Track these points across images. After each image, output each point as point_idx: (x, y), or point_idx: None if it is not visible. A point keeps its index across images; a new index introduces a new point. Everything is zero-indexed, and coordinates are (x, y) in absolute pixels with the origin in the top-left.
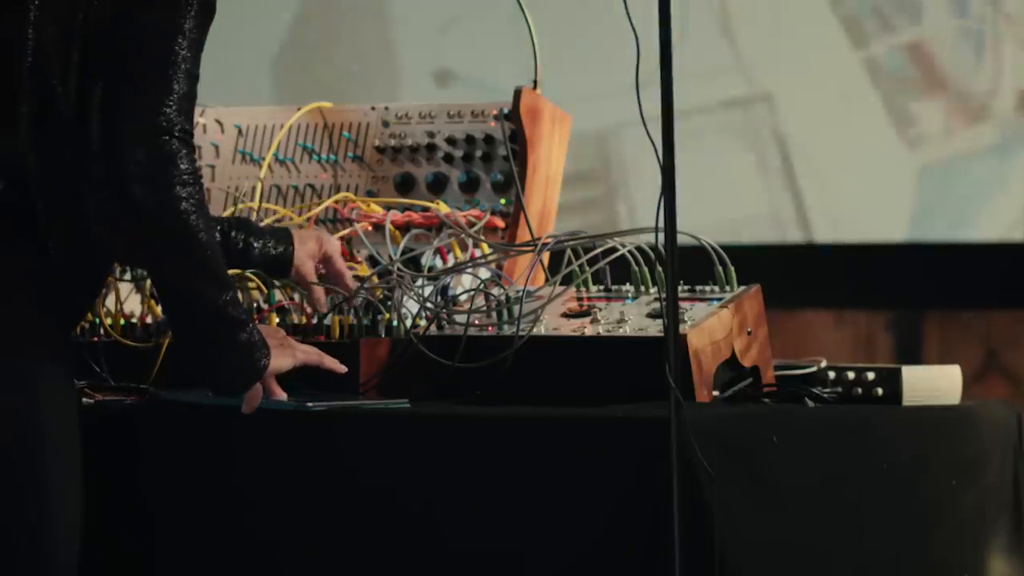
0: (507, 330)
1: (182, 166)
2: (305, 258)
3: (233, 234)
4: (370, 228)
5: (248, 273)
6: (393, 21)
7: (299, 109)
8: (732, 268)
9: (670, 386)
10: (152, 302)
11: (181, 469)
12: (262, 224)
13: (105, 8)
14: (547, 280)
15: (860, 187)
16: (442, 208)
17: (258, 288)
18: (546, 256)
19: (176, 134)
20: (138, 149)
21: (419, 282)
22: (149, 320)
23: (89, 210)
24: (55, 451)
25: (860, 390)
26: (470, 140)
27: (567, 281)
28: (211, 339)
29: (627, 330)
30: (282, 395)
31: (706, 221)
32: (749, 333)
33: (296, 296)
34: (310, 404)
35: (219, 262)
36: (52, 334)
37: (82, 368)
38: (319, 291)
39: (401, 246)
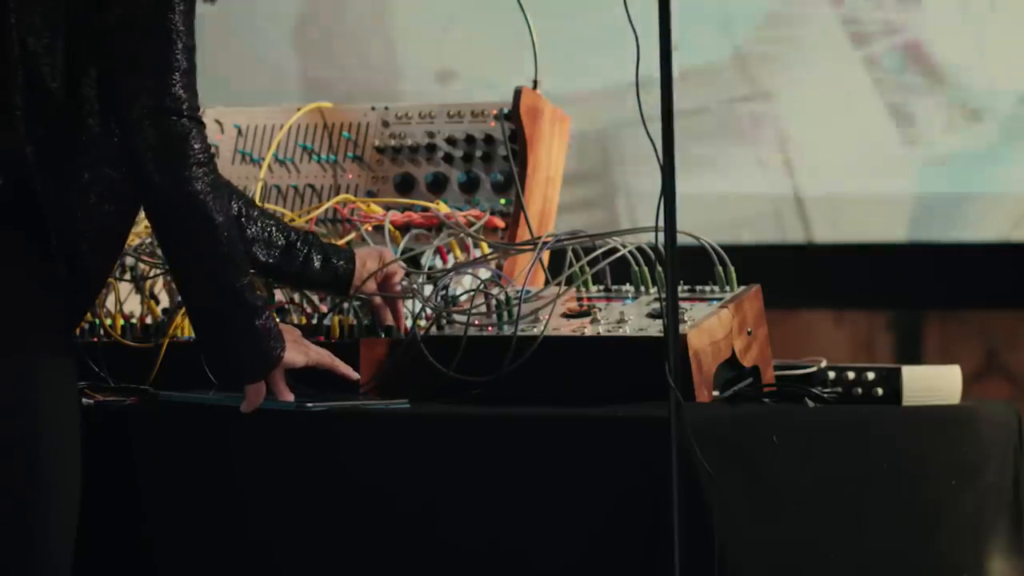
0: (507, 330)
1: (195, 146)
2: (365, 276)
3: (298, 244)
4: (370, 228)
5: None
6: (394, 21)
7: (299, 109)
8: (732, 268)
9: (670, 386)
10: (152, 303)
11: (181, 469)
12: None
13: None
14: (547, 280)
15: (860, 187)
16: (442, 208)
17: (257, 288)
18: (546, 256)
19: (185, 113)
20: (149, 132)
21: (419, 281)
22: (149, 320)
23: (89, 192)
24: (53, 449)
25: (860, 390)
26: (470, 140)
27: (568, 281)
28: (227, 323)
29: (627, 330)
30: (289, 396)
31: (706, 221)
32: (749, 333)
33: (296, 296)
34: (310, 404)
35: (236, 245)
36: (55, 329)
37: (82, 368)
38: (386, 310)
39: (401, 246)
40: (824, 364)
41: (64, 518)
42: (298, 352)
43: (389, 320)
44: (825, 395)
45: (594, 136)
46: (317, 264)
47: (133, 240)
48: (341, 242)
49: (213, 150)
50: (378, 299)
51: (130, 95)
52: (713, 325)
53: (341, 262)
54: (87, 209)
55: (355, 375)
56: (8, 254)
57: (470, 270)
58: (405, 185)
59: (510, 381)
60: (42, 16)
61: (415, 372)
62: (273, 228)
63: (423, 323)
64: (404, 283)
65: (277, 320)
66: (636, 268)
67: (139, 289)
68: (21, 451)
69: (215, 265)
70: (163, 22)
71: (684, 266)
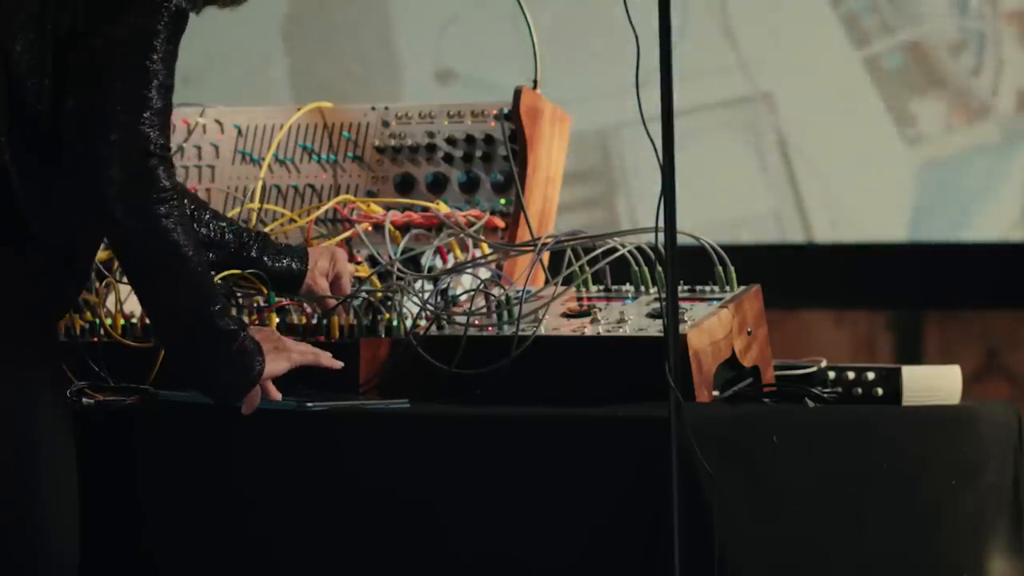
0: (507, 330)
1: (162, 183)
2: (318, 276)
3: (251, 243)
4: (370, 228)
5: (247, 273)
6: (393, 21)
7: (299, 109)
8: (732, 268)
9: (670, 386)
10: None
11: (181, 469)
12: (267, 228)
13: (75, 19)
14: (547, 280)
15: (860, 187)
16: (442, 208)
17: (257, 289)
18: (546, 256)
19: (152, 151)
20: (115, 168)
21: (419, 283)
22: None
23: (75, 219)
24: (48, 454)
25: (860, 390)
26: (470, 140)
27: (567, 281)
28: (202, 352)
29: (627, 330)
30: (277, 395)
31: (706, 221)
32: (749, 333)
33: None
34: (310, 404)
35: (205, 275)
36: (40, 337)
37: (82, 368)
38: (332, 305)
39: (401, 246)
40: (824, 364)
41: (66, 521)
42: (280, 360)
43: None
44: (825, 395)
45: (594, 136)
46: (269, 262)
47: None
48: (336, 240)
49: (180, 188)
50: (322, 296)
51: (102, 128)
52: (713, 325)
53: (294, 261)
54: (72, 228)
55: (338, 364)
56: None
57: (470, 270)
58: (405, 185)
59: (510, 381)
60: (28, 40)
61: (415, 372)
62: (225, 229)
63: (423, 323)
64: (355, 284)
65: (253, 336)
66: (636, 268)
67: None
68: (19, 458)
69: (185, 297)
70: (142, 60)
71: (684, 266)
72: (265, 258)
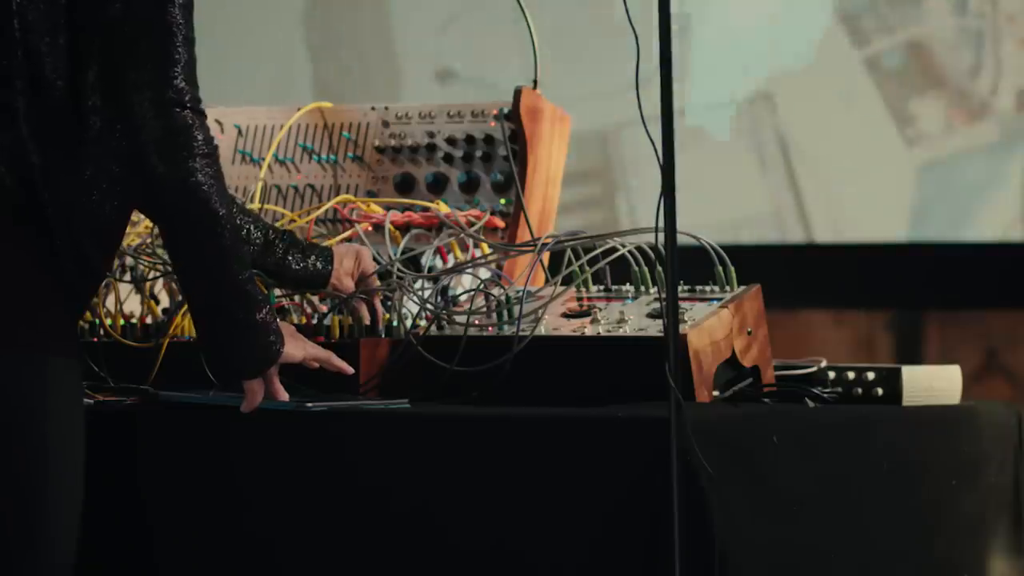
0: (507, 330)
1: (198, 137)
2: (343, 275)
3: (276, 242)
4: (370, 228)
5: None
6: (393, 21)
7: (299, 109)
8: (732, 268)
9: (670, 386)
10: (152, 303)
11: (181, 469)
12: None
13: None
14: (547, 280)
15: (860, 187)
16: (442, 208)
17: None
18: (546, 256)
19: (188, 104)
20: (152, 124)
21: (419, 283)
22: (149, 320)
23: (92, 189)
24: (60, 448)
25: (860, 390)
26: (470, 140)
27: (567, 281)
28: (228, 316)
29: (627, 330)
30: (284, 396)
31: (706, 221)
32: (749, 333)
33: (296, 297)
34: (310, 404)
35: (239, 238)
36: (62, 327)
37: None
38: (363, 306)
39: (401, 246)
40: (824, 364)
41: (68, 519)
42: (296, 346)
43: (368, 317)
44: (825, 395)
45: (594, 136)
46: (294, 262)
47: (133, 240)
48: (333, 240)
49: (216, 142)
50: (350, 294)
51: (132, 88)
52: (713, 325)
53: (319, 260)
54: (90, 207)
55: (350, 369)
56: (17, 252)
57: (470, 270)
58: (405, 185)
59: (510, 381)
60: (44, 14)
61: (415, 372)
62: (251, 226)
63: (423, 323)
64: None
65: (276, 316)
66: (636, 268)
67: (139, 289)
68: (30, 448)
69: (218, 257)
70: (163, 15)
71: (684, 266)
72: (290, 258)
